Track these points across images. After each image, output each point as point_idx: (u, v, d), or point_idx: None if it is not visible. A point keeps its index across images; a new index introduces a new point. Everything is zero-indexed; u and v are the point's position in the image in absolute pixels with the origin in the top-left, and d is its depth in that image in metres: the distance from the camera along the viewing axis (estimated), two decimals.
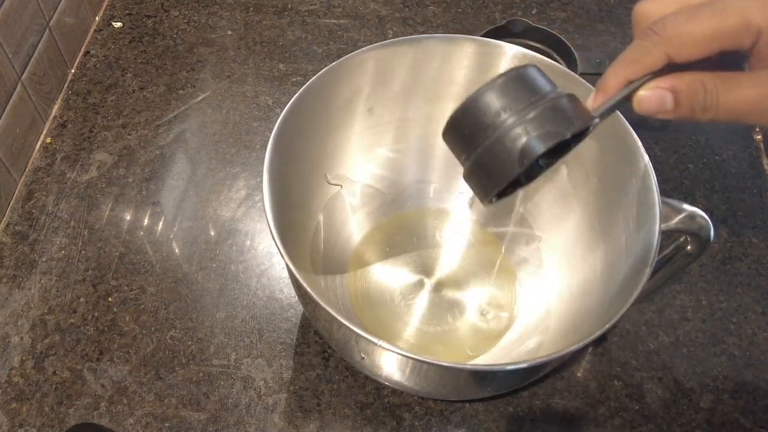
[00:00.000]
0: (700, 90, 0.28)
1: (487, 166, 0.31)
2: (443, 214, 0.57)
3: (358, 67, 0.48)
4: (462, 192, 0.57)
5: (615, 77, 0.30)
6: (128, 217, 0.58)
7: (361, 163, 0.54)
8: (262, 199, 0.41)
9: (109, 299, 0.53)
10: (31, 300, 0.53)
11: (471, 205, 0.56)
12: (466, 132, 0.31)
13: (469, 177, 0.33)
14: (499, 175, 0.31)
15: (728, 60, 0.29)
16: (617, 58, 0.30)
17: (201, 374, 0.50)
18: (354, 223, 0.55)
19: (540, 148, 0.29)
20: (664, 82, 0.28)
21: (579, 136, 0.32)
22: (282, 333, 0.52)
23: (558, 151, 0.33)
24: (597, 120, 0.31)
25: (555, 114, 0.30)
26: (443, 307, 0.52)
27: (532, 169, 0.34)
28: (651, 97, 0.29)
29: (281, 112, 0.44)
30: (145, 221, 0.58)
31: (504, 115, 0.30)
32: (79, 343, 0.51)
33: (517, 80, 0.30)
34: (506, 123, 0.30)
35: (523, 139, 0.29)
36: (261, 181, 0.41)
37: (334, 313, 0.36)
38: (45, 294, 0.54)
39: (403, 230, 0.56)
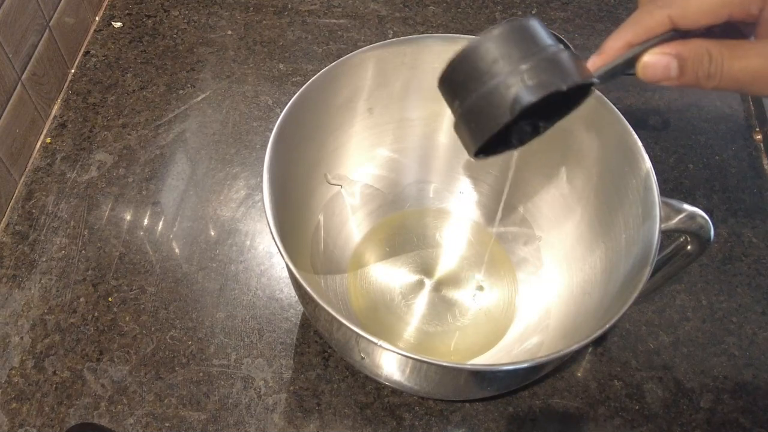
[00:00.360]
0: (705, 57, 0.27)
1: (477, 113, 0.30)
2: (443, 214, 0.57)
3: (358, 67, 0.48)
4: (462, 192, 0.57)
5: (616, 39, 0.29)
6: (128, 217, 0.58)
7: (361, 163, 0.54)
8: (262, 199, 0.41)
9: (109, 299, 0.53)
10: (31, 300, 0.53)
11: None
12: (461, 78, 0.30)
13: (459, 126, 0.32)
14: (489, 122, 0.30)
15: (732, 30, 0.28)
16: (622, 24, 0.29)
17: (201, 374, 0.50)
18: (354, 223, 0.55)
19: (532, 96, 0.28)
20: (670, 48, 0.28)
21: (577, 98, 0.31)
22: (282, 333, 0.52)
23: (555, 113, 0.32)
24: (596, 80, 0.30)
25: (553, 66, 0.29)
26: (443, 307, 0.52)
27: (525, 131, 0.33)
28: (656, 63, 0.28)
29: (281, 112, 0.44)
30: (145, 221, 0.58)
31: (501, 63, 0.29)
32: (79, 343, 0.51)
33: (518, 31, 0.29)
34: (502, 71, 0.29)
35: (517, 87, 0.28)
36: (261, 181, 0.41)
37: (334, 313, 0.36)
38: (45, 294, 0.54)
39: (403, 230, 0.56)
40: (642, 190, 0.42)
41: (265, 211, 0.40)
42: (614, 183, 0.46)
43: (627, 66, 0.30)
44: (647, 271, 0.38)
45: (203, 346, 0.51)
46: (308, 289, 0.37)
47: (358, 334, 0.35)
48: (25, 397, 0.49)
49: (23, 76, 0.59)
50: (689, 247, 0.43)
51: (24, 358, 0.50)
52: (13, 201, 0.59)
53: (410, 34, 0.51)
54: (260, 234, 0.58)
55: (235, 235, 0.57)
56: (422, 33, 0.73)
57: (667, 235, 0.40)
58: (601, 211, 0.48)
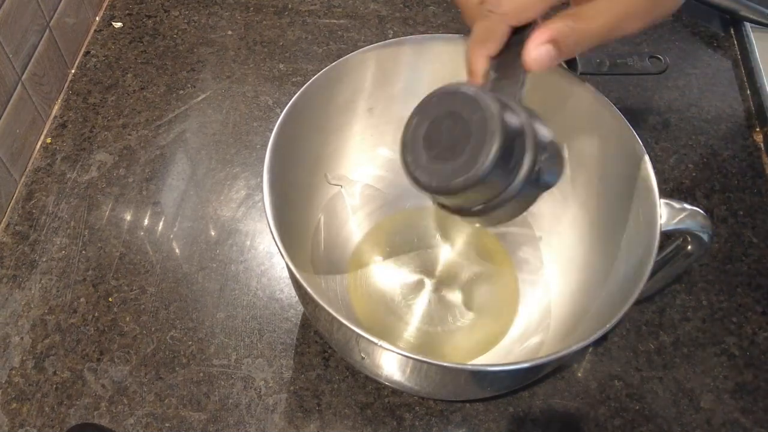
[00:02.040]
0: (567, 30, 0.32)
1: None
2: (443, 214, 0.57)
3: (358, 67, 0.48)
4: None
5: (478, 58, 0.35)
6: (128, 217, 0.58)
7: (361, 163, 0.54)
8: (262, 199, 0.41)
9: (110, 299, 0.53)
10: (31, 300, 0.53)
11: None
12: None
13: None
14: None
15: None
16: (471, 43, 0.35)
17: (201, 374, 0.50)
18: (354, 223, 0.55)
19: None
20: (540, 38, 0.32)
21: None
22: (282, 333, 0.52)
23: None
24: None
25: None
26: (444, 308, 0.52)
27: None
28: (541, 55, 0.33)
29: (281, 112, 0.44)
30: (146, 221, 0.58)
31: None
32: (79, 343, 0.51)
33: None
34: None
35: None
36: (261, 181, 0.41)
37: (334, 313, 0.36)
38: (45, 294, 0.54)
39: (403, 230, 0.56)
40: (642, 190, 0.42)
41: (265, 212, 0.40)
42: (614, 183, 0.46)
43: (511, 67, 0.34)
44: (647, 271, 0.38)
45: (203, 346, 0.51)
46: (308, 289, 0.37)
47: (358, 334, 0.35)
48: (25, 397, 0.49)
49: (23, 76, 0.59)
50: (689, 248, 0.43)
51: (24, 358, 0.50)
52: (13, 201, 0.59)
53: (410, 34, 0.51)
54: (260, 234, 0.58)
55: (236, 235, 0.57)
56: (422, 33, 0.73)
57: (667, 235, 0.40)
58: (601, 211, 0.48)
